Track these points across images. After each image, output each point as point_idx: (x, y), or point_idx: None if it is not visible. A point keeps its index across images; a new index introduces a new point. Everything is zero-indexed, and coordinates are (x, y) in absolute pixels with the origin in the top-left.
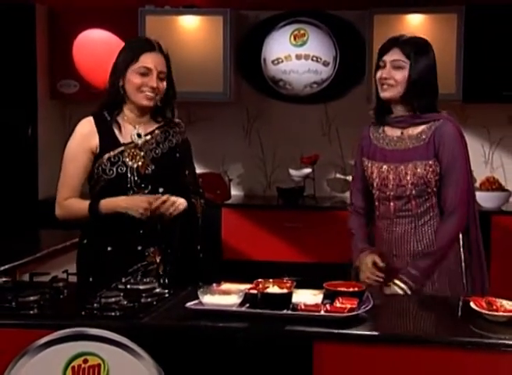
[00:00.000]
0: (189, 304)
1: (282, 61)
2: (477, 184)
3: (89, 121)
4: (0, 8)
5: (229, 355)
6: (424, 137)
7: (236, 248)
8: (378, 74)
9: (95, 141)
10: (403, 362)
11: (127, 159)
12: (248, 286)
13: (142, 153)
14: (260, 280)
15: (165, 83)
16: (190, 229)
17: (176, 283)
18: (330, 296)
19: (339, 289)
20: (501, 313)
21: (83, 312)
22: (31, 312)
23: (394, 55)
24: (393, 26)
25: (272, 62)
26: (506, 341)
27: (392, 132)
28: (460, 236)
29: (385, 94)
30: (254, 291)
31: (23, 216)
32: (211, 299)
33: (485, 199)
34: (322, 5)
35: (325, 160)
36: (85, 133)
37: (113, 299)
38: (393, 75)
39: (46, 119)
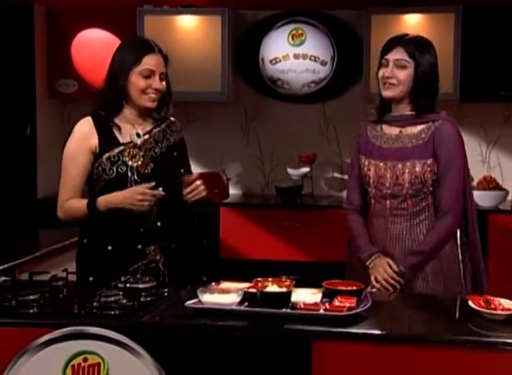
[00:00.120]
0: (188, 302)
1: (280, 60)
2: (474, 183)
3: (88, 121)
4: None
5: (229, 353)
6: (423, 136)
7: (234, 247)
8: (381, 73)
9: (94, 141)
10: (402, 360)
11: (127, 159)
12: (247, 285)
13: (141, 152)
14: (259, 278)
15: (164, 84)
16: (193, 226)
17: (177, 280)
18: (329, 295)
19: (338, 288)
20: (499, 312)
21: (82, 311)
22: (31, 310)
23: (397, 54)
24: (391, 26)
25: (270, 61)
26: (505, 340)
27: (391, 130)
28: (458, 235)
29: (387, 93)
30: (254, 290)
31: (22, 215)
32: (210, 298)
33: (482, 198)
34: (320, 4)
35: (323, 159)
36: (84, 133)
37: (113, 298)
38: (396, 74)
39: (44, 119)
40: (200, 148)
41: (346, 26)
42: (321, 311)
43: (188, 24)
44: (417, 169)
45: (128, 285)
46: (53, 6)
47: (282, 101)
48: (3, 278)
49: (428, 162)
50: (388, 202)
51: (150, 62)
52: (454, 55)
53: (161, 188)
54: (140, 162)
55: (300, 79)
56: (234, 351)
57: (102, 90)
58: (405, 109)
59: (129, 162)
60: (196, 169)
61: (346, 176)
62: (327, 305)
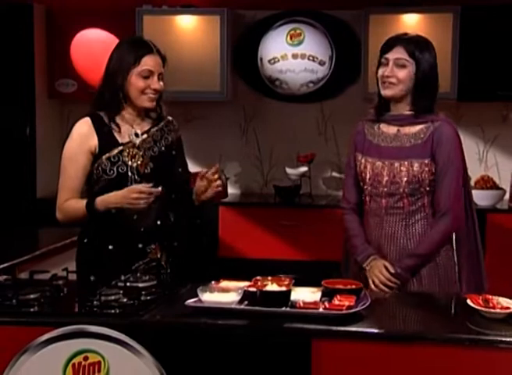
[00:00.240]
0: (188, 301)
1: (279, 60)
2: (471, 183)
3: (86, 122)
4: None
5: (229, 352)
6: (422, 136)
7: (232, 246)
8: (380, 72)
9: (94, 141)
10: (402, 358)
11: (127, 159)
12: (247, 283)
13: (141, 152)
14: (258, 277)
15: (162, 84)
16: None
17: (179, 278)
18: (328, 293)
19: (337, 287)
20: (498, 310)
21: (83, 310)
22: (32, 309)
23: (397, 54)
24: (389, 26)
25: (269, 61)
26: (504, 338)
27: (389, 129)
28: (454, 240)
29: (386, 92)
30: (253, 289)
31: (22, 214)
32: (210, 297)
33: (480, 197)
34: (318, 4)
35: (321, 159)
36: (83, 133)
37: (113, 297)
38: (396, 73)
39: (44, 119)
40: (198, 147)
41: (345, 26)
42: (321, 309)
43: (187, 24)
44: (414, 168)
45: (128, 284)
46: (52, 6)
47: (280, 100)
48: (4, 277)
49: (426, 161)
50: (384, 201)
51: (149, 62)
52: (452, 55)
53: (160, 188)
54: (139, 162)
55: (298, 79)
56: (234, 349)
57: (100, 89)
58: (404, 109)
59: (129, 162)
60: (195, 169)
61: (343, 176)
62: (326, 303)
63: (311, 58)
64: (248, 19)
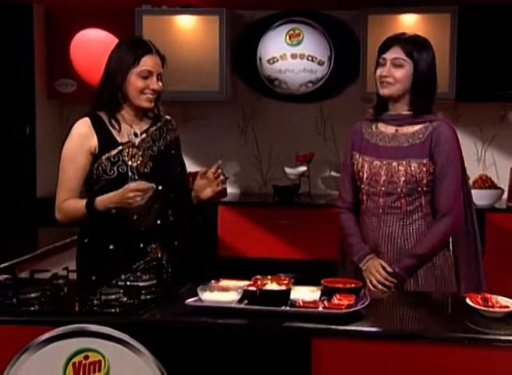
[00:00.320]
0: (188, 300)
1: (278, 60)
2: (470, 182)
3: (86, 122)
4: None
5: (229, 351)
6: (420, 136)
7: (232, 246)
8: (378, 72)
9: (94, 141)
10: (401, 357)
11: (126, 159)
12: (247, 283)
13: (140, 152)
14: (258, 276)
15: (161, 84)
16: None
17: (180, 277)
18: (328, 293)
19: (336, 286)
20: (497, 309)
21: (83, 309)
22: (32, 308)
23: (395, 53)
24: (387, 26)
25: (268, 61)
26: (503, 337)
27: (387, 129)
28: (451, 242)
29: (384, 91)
30: (253, 288)
31: (22, 213)
32: (210, 296)
33: (478, 197)
34: (317, 5)
35: (320, 158)
36: (83, 133)
37: (113, 296)
38: (393, 73)
39: (44, 118)
40: (198, 147)
41: (343, 26)
42: (321, 308)
43: (186, 24)
44: (412, 168)
45: (128, 283)
46: (52, 6)
47: (279, 100)
48: (4, 276)
49: (424, 161)
50: (381, 200)
51: (148, 62)
52: (450, 55)
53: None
54: (139, 162)
55: (297, 78)
56: (234, 348)
57: (99, 89)
58: (402, 109)
59: (129, 162)
60: (194, 168)
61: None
62: (326, 302)
63: (309, 58)
64: (247, 19)
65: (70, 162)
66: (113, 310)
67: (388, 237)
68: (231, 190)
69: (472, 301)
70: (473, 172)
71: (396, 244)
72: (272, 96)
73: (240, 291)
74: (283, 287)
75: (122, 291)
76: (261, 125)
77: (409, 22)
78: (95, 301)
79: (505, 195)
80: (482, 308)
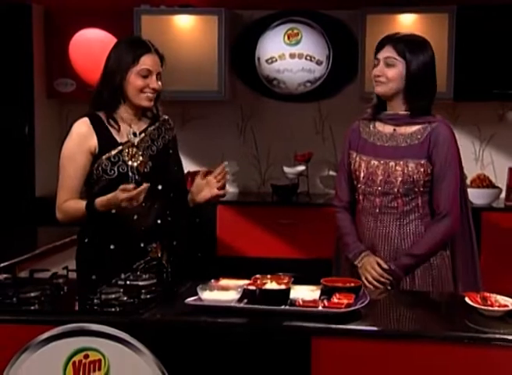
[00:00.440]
0: (188, 300)
1: (276, 60)
2: (467, 181)
3: (85, 122)
4: None
5: (229, 350)
6: (419, 136)
7: (230, 245)
8: (373, 72)
9: (93, 141)
10: (400, 356)
11: (126, 158)
12: (246, 282)
13: (140, 152)
14: (258, 276)
15: (160, 83)
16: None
17: (180, 277)
18: (327, 292)
19: (336, 285)
20: (496, 308)
21: (83, 308)
22: (32, 308)
23: (386, 53)
24: (385, 26)
25: (266, 61)
26: (502, 336)
27: (385, 128)
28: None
29: (377, 89)
30: (253, 287)
31: (21, 213)
32: (210, 295)
33: (476, 196)
34: (315, 4)
35: (318, 158)
36: (82, 133)
37: (113, 295)
38: (385, 72)
39: (43, 118)
40: (196, 146)
41: (342, 25)
42: (320, 308)
43: (185, 24)
44: (410, 169)
45: (128, 282)
46: (51, 6)
47: (278, 100)
48: (4, 276)
49: (422, 162)
50: (378, 200)
51: (147, 62)
52: (448, 55)
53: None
54: (139, 162)
55: (295, 78)
56: (234, 347)
57: (98, 89)
58: (399, 108)
59: (129, 162)
60: (193, 168)
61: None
62: (325, 301)
63: (308, 57)
64: (246, 19)
65: (70, 161)
66: (113, 309)
67: (385, 237)
68: (230, 189)
69: (471, 300)
70: (471, 171)
71: (392, 244)
72: (271, 96)
73: (239, 290)
74: (283, 287)
75: (122, 290)
76: (259, 124)
77: (407, 21)
78: (95, 301)
79: (503, 195)
80: (481, 307)
